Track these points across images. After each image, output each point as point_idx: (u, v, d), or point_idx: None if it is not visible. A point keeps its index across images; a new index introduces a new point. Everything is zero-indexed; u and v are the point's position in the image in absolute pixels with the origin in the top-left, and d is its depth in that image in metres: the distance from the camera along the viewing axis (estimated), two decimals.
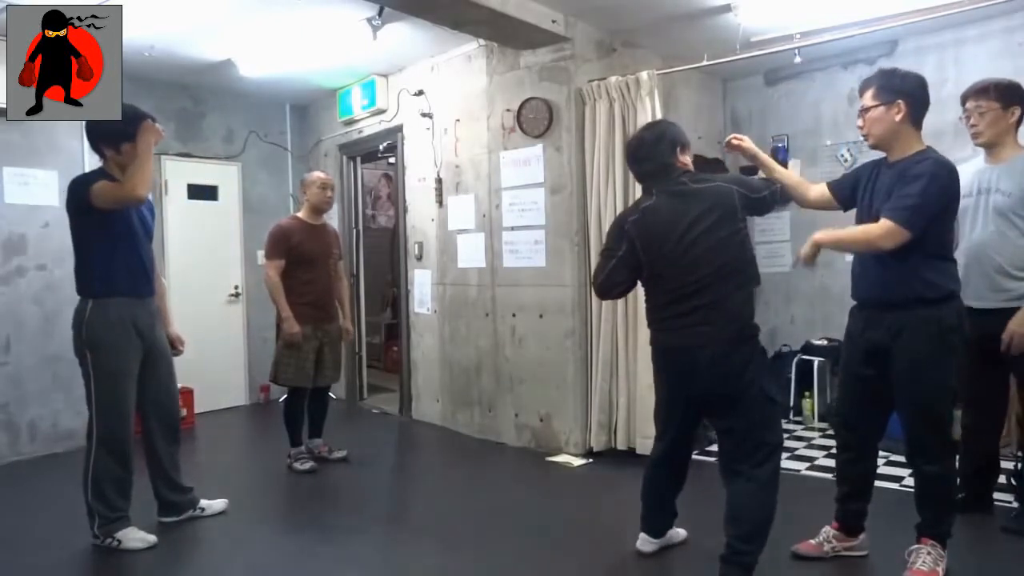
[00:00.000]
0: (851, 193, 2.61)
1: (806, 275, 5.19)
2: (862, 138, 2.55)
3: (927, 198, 2.28)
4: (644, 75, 3.90)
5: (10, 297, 4.42)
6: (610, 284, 2.56)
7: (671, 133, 2.54)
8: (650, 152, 2.50)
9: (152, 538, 3.04)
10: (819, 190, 2.71)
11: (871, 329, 2.48)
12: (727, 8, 3.91)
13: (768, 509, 2.37)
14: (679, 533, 2.84)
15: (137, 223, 2.97)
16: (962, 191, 2.94)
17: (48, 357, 4.54)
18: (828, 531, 2.73)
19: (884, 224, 2.31)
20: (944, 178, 2.34)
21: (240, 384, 5.90)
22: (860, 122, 2.49)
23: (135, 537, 3.00)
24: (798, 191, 2.71)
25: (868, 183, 2.53)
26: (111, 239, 2.86)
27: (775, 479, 2.41)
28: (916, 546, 2.51)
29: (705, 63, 4.00)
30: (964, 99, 2.94)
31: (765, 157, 2.74)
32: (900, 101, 2.38)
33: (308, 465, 4.02)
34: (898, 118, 2.39)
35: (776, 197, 2.52)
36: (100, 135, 2.92)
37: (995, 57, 4.16)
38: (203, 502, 3.15)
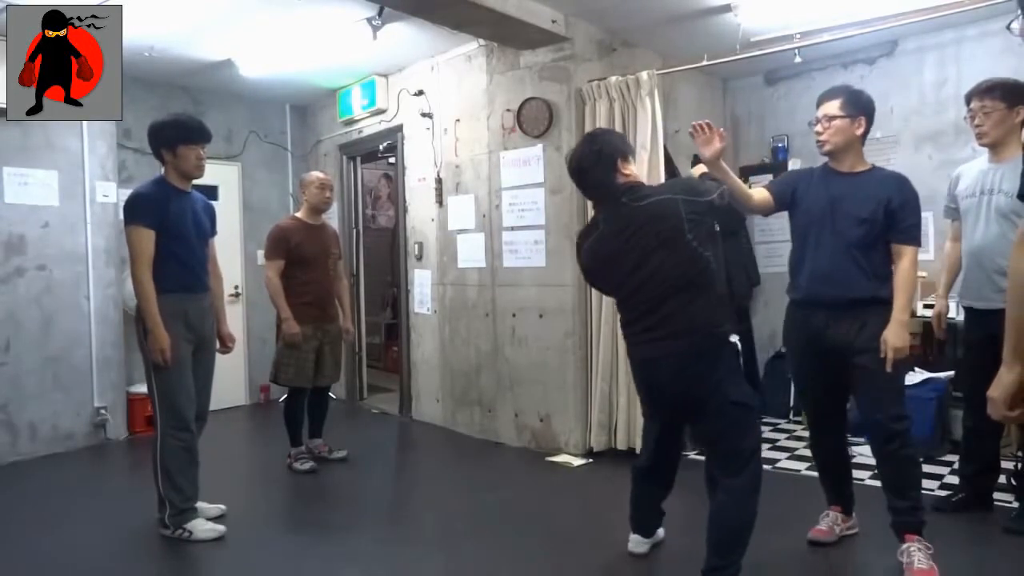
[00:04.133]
0: (790, 197, 2.73)
1: None
2: (817, 142, 2.68)
3: (919, 210, 2.60)
4: (644, 75, 3.90)
5: (9, 298, 4.41)
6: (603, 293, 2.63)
7: (608, 149, 2.43)
8: (587, 178, 2.46)
9: (222, 528, 3.11)
10: (761, 195, 2.78)
11: (835, 327, 2.59)
12: (727, 8, 3.91)
13: (745, 518, 2.33)
14: (660, 531, 2.86)
15: (190, 225, 3.08)
16: (965, 191, 3.00)
17: (48, 358, 4.54)
18: (834, 515, 2.84)
19: (913, 250, 2.56)
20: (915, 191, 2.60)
21: (240, 384, 5.91)
22: (819, 128, 2.64)
23: (205, 527, 3.07)
24: (743, 196, 2.73)
25: (817, 189, 2.66)
26: (163, 240, 2.97)
27: (753, 487, 2.36)
28: (905, 545, 2.55)
29: (705, 63, 4.00)
30: (969, 98, 2.95)
31: (720, 160, 2.67)
32: (862, 117, 2.60)
33: (308, 465, 4.02)
34: (858, 132, 2.60)
35: (724, 199, 2.46)
36: (160, 142, 3.05)
37: (995, 57, 4.16)
38: (200, 504, 3.15)
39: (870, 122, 2.63)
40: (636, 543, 2.77)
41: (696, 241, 2.33)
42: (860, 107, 2.60)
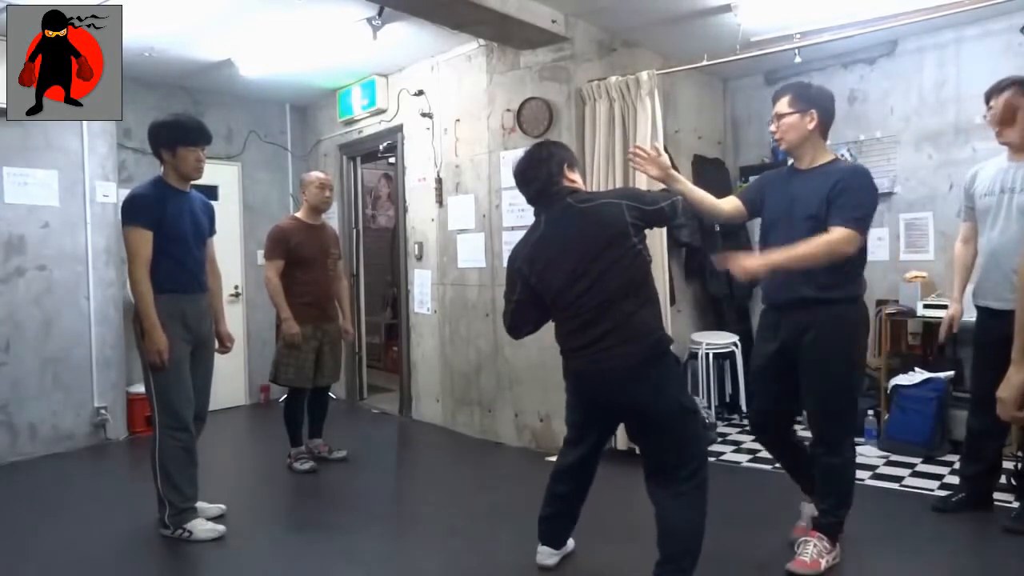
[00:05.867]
0: (760, 202, 2.71)
1: None
2: (775, 141, 2.69)
3: (872, 205, 2.50)
4: (644, 75, 3.90)
5: (10, 298, 4.41)
6: (517, 325, 2.53)
7: (560, 154, 2.49)
8: (537, 172, 2.45)
9: (221, 528, 3.10)
10: (732, 203, 2.76)
11: (785, 329, 2.59)
12: (727, 8, 3.91)
13: (699, 522, 2.34)
14: (571, 543, 2.80)
15: (187, 225, 3.07)
16: (984, 190, 2.99)
17: (48, 358, 4.54)
18: (809, 507, 2.81)
19: (844, 232, 2.39)
20: (874, 186, 2.54)
21: (240, 384, 5.91)
22: (774, 127, 2.63)
23: (205, 528, 3.07)
24: (709, 206, 2.70)
25: (780, 190, 2.64)
26: (160, 240, 2.96)
27: (704, 491, 2.36)
28: (804, 537, 2.60)
29: (705, 63, 4.00)
30: (988, 96, 2.94)
31: (674, 173, 2.65)
32: (813, 110, 2.54)
33: (308, 465, 4.02)
34: (811, 126, 2.54)
35: (676, 209, 2.43)
36: (160, 142, 3.04)
37: (996, 57, 4.16)
38: (200, 504, 3.15)
39: (824, 114, 2.57)
40: (546, 555, 2.70)
41: (641, 245, 2.32)
42: (809, 101, 2.55)
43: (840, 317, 2.49)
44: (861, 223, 2.41)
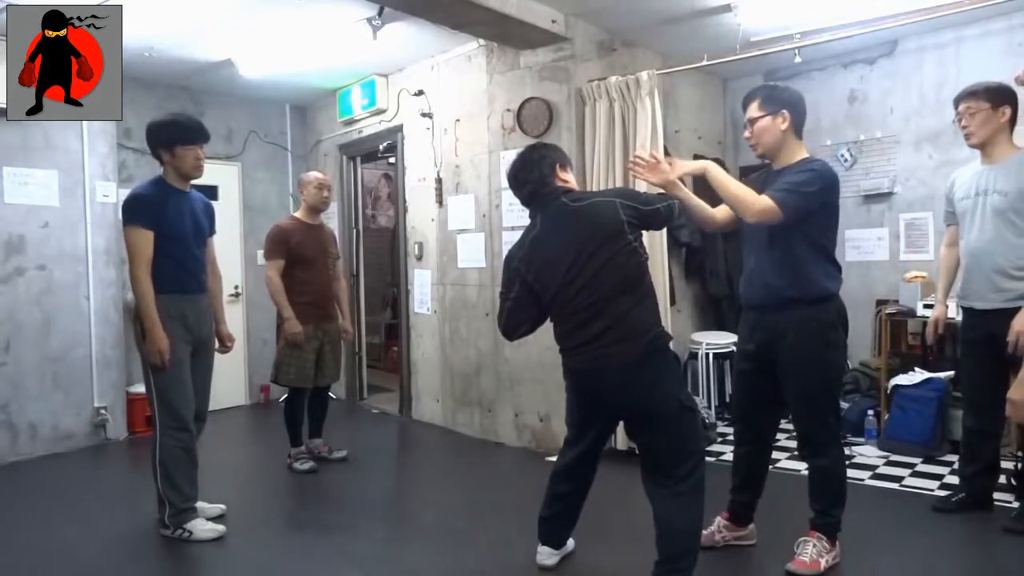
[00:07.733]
0: None
1: None
2: (750, 147, 2.68)
3: (808, 188, 2.41)
4: (644, 75, 3.90)
5: (9, 297, 4.41)
6: (513, 325, 2.52)
7: (551, 155, 2.50)
8: (529, 174, 2.46)
9: (221, 528, 3.10)
10: (724, 211, 2.72)
11: (759, 330, 2.59)
12: (727, 8, 3.91)
13: (697, 522, 2.35)
14: (571, 542, 2.79)
15: (188, 225, 3.07)
16: (961, 193, 3.06)
17: (48, 358, 4.54)
18: (719, 521, 2.81)
19: (764, 199, 2.40)
20: (828, 178, 2.47)
21: (240, 384, 5.91)
22: (747, 133, 2.62)
23: (205, 528, 3.07)
24: (704, 214, 2.69)
25: (762, 190, 2.58)
26: (160, 240, 2.96)
27: (701, 489, 2.37)
28: (804, 538, 2.60)
29: (705, 63, 4.00)
30: (956, 103, 3.00)
31: (675, 179, 2.59)
32: (784, 111, 2.52)
33: (308, 465, 4.02)
34: (783, 127, 2.52)
35: (672, 211, 2.45)
36: (158, 143, 3.04)
37: (995, 57, 4.17)
38: (200, 504, 3.15)
39: (796, 113, 2.54)
40: (547, 555, 2.69)
41: (636, 242, 2.33)
42: (779, 102, 2.53)
43: (815, 319, 2.48)
44: (782, 195, 2.39)
